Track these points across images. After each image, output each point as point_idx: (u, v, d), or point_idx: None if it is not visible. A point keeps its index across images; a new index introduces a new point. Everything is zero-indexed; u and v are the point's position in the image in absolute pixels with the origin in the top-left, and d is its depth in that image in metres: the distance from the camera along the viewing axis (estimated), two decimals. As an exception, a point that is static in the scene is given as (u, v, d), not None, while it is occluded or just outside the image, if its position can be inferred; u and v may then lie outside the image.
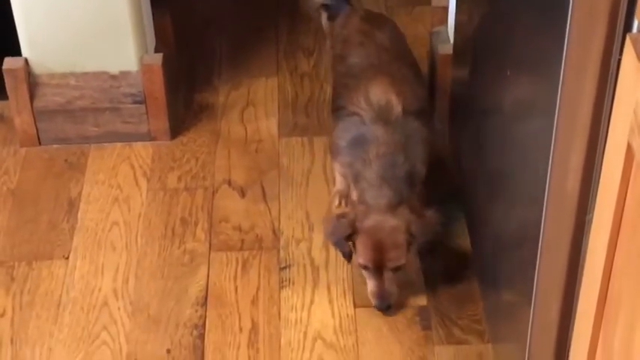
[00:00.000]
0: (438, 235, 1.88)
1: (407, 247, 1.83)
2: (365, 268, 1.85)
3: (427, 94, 2.07)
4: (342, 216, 1.88)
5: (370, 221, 1.83)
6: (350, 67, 2.04)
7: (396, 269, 1.84)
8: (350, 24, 2.15)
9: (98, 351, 1.83)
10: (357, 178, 1.89)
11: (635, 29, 1.10)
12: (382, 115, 1.89)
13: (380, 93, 1.91)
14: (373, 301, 1.87)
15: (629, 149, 1.05)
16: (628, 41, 1.05)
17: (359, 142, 1.89)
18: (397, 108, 1.89)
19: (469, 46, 1.94)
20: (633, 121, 1.03)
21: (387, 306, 1.86)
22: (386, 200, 1.84)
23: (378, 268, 1.83)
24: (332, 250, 2.01)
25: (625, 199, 1.09)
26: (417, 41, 2.49)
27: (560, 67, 1.16)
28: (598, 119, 1.18)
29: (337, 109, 1.99)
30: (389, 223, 1.82)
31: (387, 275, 1.84)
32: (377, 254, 1.82)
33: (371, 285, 1.86)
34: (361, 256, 1.84)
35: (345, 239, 1.85)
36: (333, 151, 2.01)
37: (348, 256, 1.89)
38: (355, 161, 1.89)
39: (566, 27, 1.13)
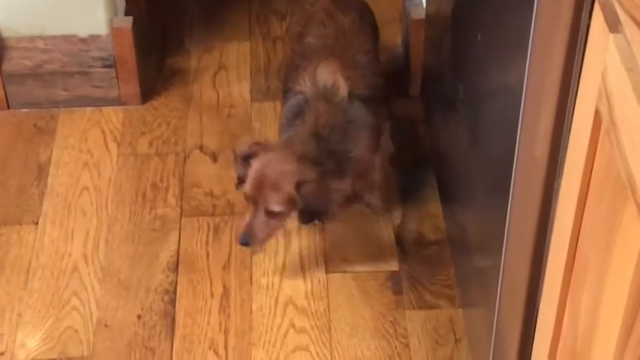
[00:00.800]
0: (331, 208, 1.82)
1: (290, 200, 1.75)
2: (245, 197, 1.80)
3: (383, 83, 1.98)
4: (254, 143, 1.83)
5: (268, 155, 1.78)
6: (304, 47, 1.98)
7: (270, 213, 1.76)
8: (320, 1, 2.07)
9: (68, 316, 1.82)
10: (289, 142, 1.84)
11: (603, -6, 1.09)
12: (326, 96, 1.83)
13: (327, 74, 1.85)
14: (238, 234, 1.82)
15: (597, 114, 1.05)
16: (597, 6, 1.04)
17: (298, 115, 1.84)
18: (343, 91, 1.83)
19: (441, 10, 1.93)
20: (601, 86, 1.03)
21: (245, 242, 1.79)
22: (297, 150, 1.78)
23: (254, 202, 1.77)
24: (304, 215, 2.01)
25: (593, 165, 1.09)
26: (391, 5, 2.48)
27: (529, 32, 1.15)
28: (567, 85, 1.18)
29: (286, 90, 1.94)
30: (282, 165, 1.76)
31: (259, 215, 1.76)
32: (255, 186, 1.76)
33: (244, 218, 1.81)
34: (245, 184, 1.78)
35: (242, 162, 1.79)
36: (279, 128, 1.96)
37: (239, 182, 1.81)
38: (292, 130, 1.84)
39: (535, -9, 1.12)
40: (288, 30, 2.32)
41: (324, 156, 1.79)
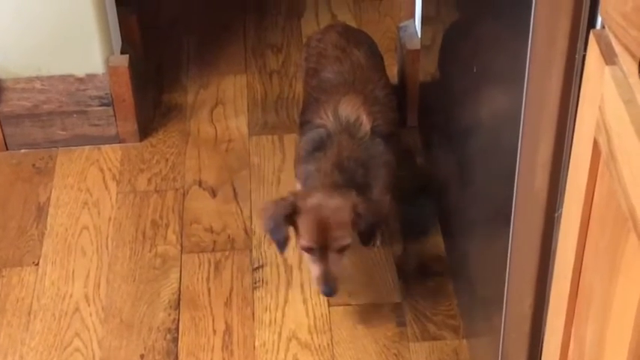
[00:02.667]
0: (384, 219, 1.81)
1: (352, 226, 1.73)
2: (308, 250, 1.75)
3: (398, 118, 1.99)
4: (282, 199, 1.78)
5: (313, 199, 1.74)
6: (322, 82, 1.99)
7: (341, 250, 1.74)
8: (327, 37, 2.08)
9: (71, 358, 1.81)
10: (308, 175, 1.82)
11: (598, 25, 1.09)
12: (349, 131, 1.83)
13: (350, 109, 1.85)
14: (318, 287, 1.77)
15: (596, 145, 1.05)
16: (592, 37, 1.05)
17: (319, 148, 1.83)
18: (366, 127, 1.83)
19: (436, 40, 1.93)
20: (599, 118, 1.03)
21: (331, 291, 1.76)
22: (331, 182, 1.76)
23: (321, 248, 1.73)
24: (305, 248, 2.00)
25: (593, 196, 1.09)
26: (386, 35, 2.49)
27: (526, 64, 1.15)
28: (565, 116, 1.18)
29: (304, 123, 1.93)
30: (333, 200, 1.73)
31: (332, 257, 1.74)
32: (320, 233, 1.72)
33: (315, 269, 1.75)
34: (304, 237, 1.74)
35: (284, 221, 1.74)
36: (295, 160, 1.95)
37: (283, 245, 1.77)
38: (311, 163, 1.83)
39: (530, 23, 1.13)
40: (300, 67, 2.29)
41: (349, 186, 1.77)
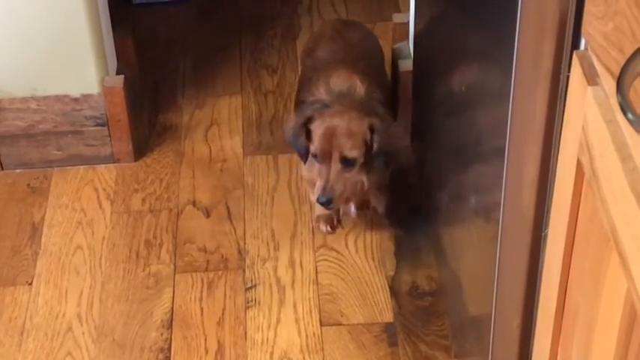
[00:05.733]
0: (402, 151, 1.83)
1: (365, 145, 1.77)
2: (316, 157, 1.79)
3: (392, 94, 2.04)
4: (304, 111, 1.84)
5: (330, 111, 1.80)
6: (316, 61, 2.03)
7: (346, 162, 1.77)
8: (329, 22, 2.19)
9: (63, 377, 1.81)
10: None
11: (582, 46, 1.10)
12: (344, 99, 1.86)
13: (342, 81, 1.89)
14: (315, 195, 1.80)
15: (579, 165, 1.06)
16: (575, 58, 1.06)
17: (321, 107, 1.87)
18: (360, 90, 1.87)
19: (428, 61, 1.95)
20: (582, 138, 1.04)
21: (327, 199, 1.78)
22: (349, 103, 1.81)
23: (327, 157, 1.77)
24: (298, 268, 2.01)
25: (577, 215, 1.10)
26: (380, 57, 2.51)
27: (511, 85, 1.17)
28: (550, 136, 1.19)
29: (298, 104, 1.98)
30: (349, 112, 1.79)
31: (335, 166, 1.77)
32: (327, 139, 1.76)
33: (318, 179, 1.79)
34: (314, 144, 1.78)
35: (300, 129, 1.80)
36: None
37: (303, 154, 1.83)
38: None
39: (514, 45, 1.14)
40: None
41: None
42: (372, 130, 1.77)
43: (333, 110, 1.81)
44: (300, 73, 2.15)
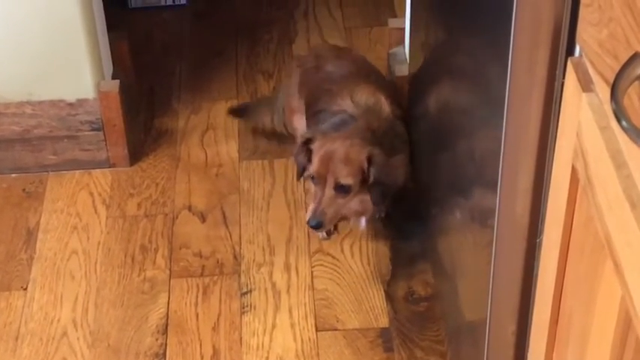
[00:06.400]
0: (400, 183, 1.85)
1: (361, 174, 1.78)
2: (312, 178, 1.82)
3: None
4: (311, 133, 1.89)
5: (334, 135, 1.83)
6: (329, 74, 2.04)
7: (341, 188, 1.79)
8: (318, 48, 2.22)
9: (57, 383, 1.81)
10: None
11: (576, 53, 1.11)
12: (371, 114, 1.88)
13: (366, 95, 1.92)
14: (307, 217, 1.84)
15: (574, 172, 1.06)
16: (569, 65, 1.06)
17: (342, 127, 1.87)
18: (386, 108, 1.90)
19: (423, 66, 1.95)
20: (577, 144, 1.04)
21: (317, 223, 1.81)
22: (353, 131, 1.84)
23: (323, 181, 1.79)
24: (294, 273, 2.01)
25: (572, 222, 1.10)
26: (376, 62, 2.50)
27: (505, 91, 1.17)
28: (545, 142, 1.19)
29: (317, 113, 1.98)
30: (349, 139, 1.80)
31: (328, 192, 1.79)
32: (324, 163, 1.79)
33: (311, 203, 1.83)
34: (312, 166, 1.81)
35: (302, 148, 1.83)
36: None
37: (299, 173, 1.87)
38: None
39: (509, 51, 1.14)
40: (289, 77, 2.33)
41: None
42: (370, 161, 1.78)
43: (336, 136, 1.82)
44: (305, 90, 2.10)
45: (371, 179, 1.78)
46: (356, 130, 1.86)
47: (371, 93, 1.92)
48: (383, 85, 2.01)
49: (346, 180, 1.78)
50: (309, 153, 1.84)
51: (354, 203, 1.85)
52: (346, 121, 1.89)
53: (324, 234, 2.03)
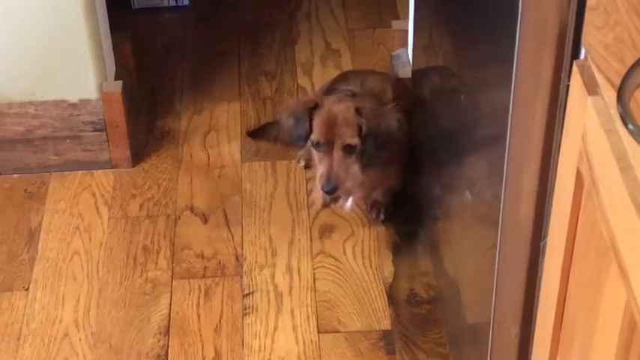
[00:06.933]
0: (393, 130, 1.90)
1: (358, 129, 1.86)
2: (317, 145, 1.89)
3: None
4: (304, 99, 2.01)
5: (329, 100, 1.92)
6: (352, 73, 2.21)
7: (347, 150, 1.86)
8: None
9: (59, 383, 1.81)
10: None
11: (582, 56, 1.10)
12: (374, 96, 1.98)
13: (375, 82, 2.04)
14: (319, 184, 1.89)
15: (579, 175, 1.06)
16: (575, 68, 1.06)
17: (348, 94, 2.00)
18: (389, 95, 1.99)
19: (426, 68, 1.94)
20: (582, 148, 1.04)
21: (332, 188, 1.87)
22: (345, 95, 1.95)
23: (329, 144, 1.86)
24: (296, 275, 2.01)
25: (577, 225, 1.09)
26: (380, 64, 2.50)
27: (510, 94, 1.16)
28: (549, 145, 1.19)
29: (329, 91, 2.09)
30: (344, 103, 1.90)
31: (337, 155, 1.86)
32: (329, 128, 1.86)
33: (320, 167, 1.89)
34: (315, 132, 1.88)
35: (306, 115, 1.89)
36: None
37: (303, 138, 1.92)
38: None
39: (514, 54, 1.13)
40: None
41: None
42: (358, 112, 1.87)
43: (331, 101, 1.93)
44: (328, 84, 2.23)
45: (363, 130, 1.86)
46: (353, 99, 1.96)
47: (380, 81, 2.04)
48: (391, 80, 2.12)
49: (353, 140, 1.86)
50: (312, 106, 1.91)
51: (376, 178, 1.95)
52: (347, 96, 2.00)
53: (326, 199, 2.06)
